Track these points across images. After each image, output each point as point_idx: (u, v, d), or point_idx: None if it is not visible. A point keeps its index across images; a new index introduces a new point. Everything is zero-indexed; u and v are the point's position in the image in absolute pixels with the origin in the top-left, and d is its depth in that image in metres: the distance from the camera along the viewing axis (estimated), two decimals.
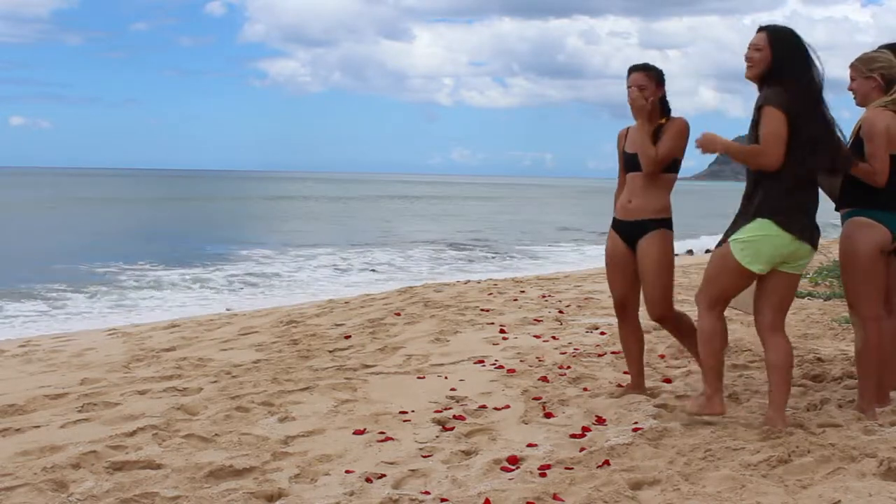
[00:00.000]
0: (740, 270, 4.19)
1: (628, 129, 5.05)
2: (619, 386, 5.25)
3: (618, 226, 4.97)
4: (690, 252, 20.52)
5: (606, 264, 5.09)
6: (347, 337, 7.17)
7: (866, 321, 4.40)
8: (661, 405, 4.77)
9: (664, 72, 4.92)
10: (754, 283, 4.32)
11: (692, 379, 5.38)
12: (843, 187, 4.50)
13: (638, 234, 4.86)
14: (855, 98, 4.60)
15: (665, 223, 4.85)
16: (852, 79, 4.58)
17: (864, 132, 4.39)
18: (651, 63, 4.94)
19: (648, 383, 5.28)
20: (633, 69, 4.91)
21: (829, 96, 4.22)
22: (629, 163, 4.96)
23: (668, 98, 4.91)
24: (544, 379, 5.49)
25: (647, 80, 4.85)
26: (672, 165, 4.87)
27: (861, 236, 4.38)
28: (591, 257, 19.23)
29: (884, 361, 4.46)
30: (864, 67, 4.52)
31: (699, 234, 28.72)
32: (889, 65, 4.47)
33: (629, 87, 4.87)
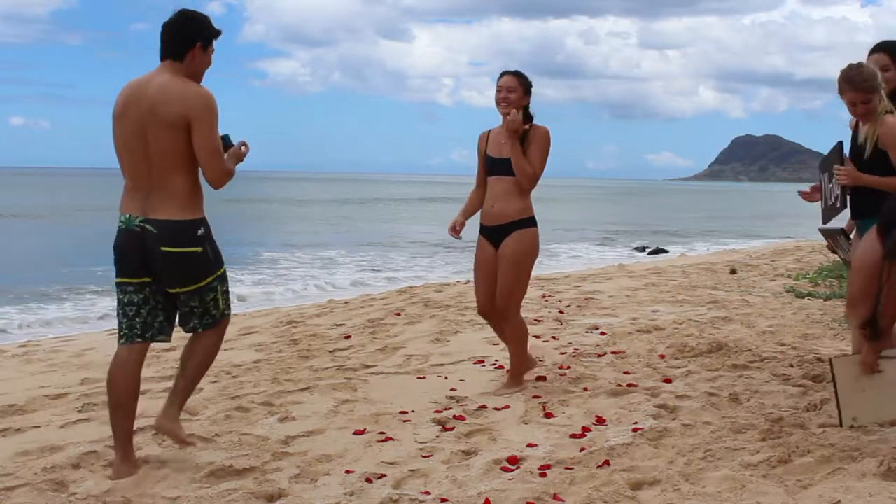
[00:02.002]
0: None
1: (489, 132, 5.24)
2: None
3: (485, 231, 5.22)
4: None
5: (474, 269, 5.33)
6: (347, 337, 7.17)
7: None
8: (661, 405, 4.77)
9: (532, 81, 5.12)
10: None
11: (692, 379, 5.38)
12: (861, 196, 4.43)
13: (503, 237, 5.10)
14: (862, 116, 4.35)
15: (528, 222, 5.10)
16: (868, 101, 4.26)
17: (890, 141, 4.24)
18: (523, 72, 5.15)
19: (648, 383, 5.28)
20: (506, 73, 5.12)
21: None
22: (491, 167, 5.16)
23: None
24: (544, 379, 5.49)
25: (518, 85, 5.07)
26: None
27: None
28: (592, 257, 19.23)
29: None
30: (871, 84, 4.25)
31: (700, 238, 28.76)
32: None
33: (499, 88, 5.07)
